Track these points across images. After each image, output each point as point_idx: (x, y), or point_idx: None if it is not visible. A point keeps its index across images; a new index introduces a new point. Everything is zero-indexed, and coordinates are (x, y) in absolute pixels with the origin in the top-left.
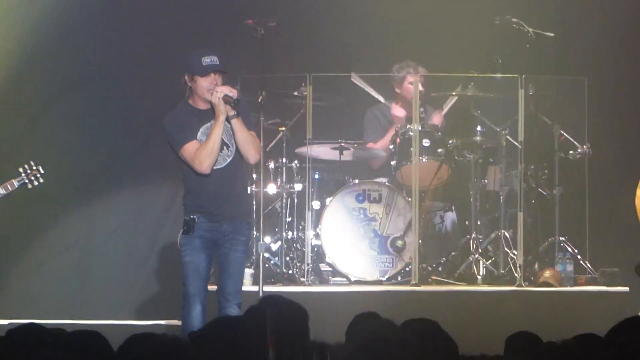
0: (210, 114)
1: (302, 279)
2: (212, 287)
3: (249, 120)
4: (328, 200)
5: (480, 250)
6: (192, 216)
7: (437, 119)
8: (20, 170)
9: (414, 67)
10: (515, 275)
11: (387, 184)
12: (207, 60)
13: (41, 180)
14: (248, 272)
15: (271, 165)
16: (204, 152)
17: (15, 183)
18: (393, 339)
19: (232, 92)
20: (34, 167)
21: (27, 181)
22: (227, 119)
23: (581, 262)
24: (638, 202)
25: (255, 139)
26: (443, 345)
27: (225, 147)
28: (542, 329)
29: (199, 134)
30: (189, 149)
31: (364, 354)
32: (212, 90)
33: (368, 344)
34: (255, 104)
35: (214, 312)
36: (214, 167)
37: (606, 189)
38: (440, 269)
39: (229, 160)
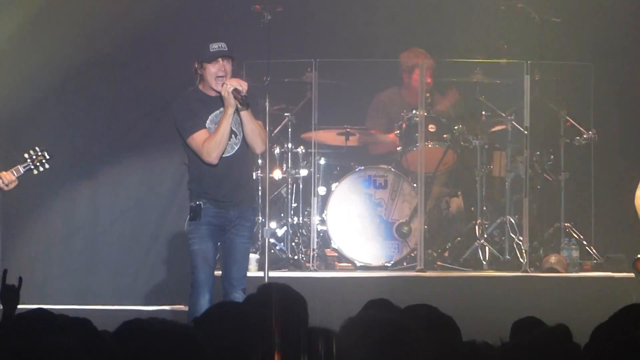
0: (219, 101)
1: (307, 265)
2: (217, 272)
3: (257, 108)
4: (334, 185)
5: (485, 236)
6: (198, 202)
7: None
8: (26, 155)
9: (422, 56)
10: (521, 261)
11: (392, 169)
12: (214, 46)
13: (47, 165)
14: (253, 257)
15: (277, 150)
16: (212, 143)
17: (21, 169)
18: (397, 324)
19: (242, 86)
20: (40, 153)
21: (32, 167)
22: (237, 110)
23: (587, 247)
24: (638, 202)
25: (262, 129)
26: (445, 330)
27: (233, 135)
28: (547, 315)
29: (208, 121)
30: (197, 138)
31: (370, 340)
32: (221, 77)
33: (374, 330)
34: (261, 89)
35: (219, 298)
36: (222, 155)
37: (612, 175)
38: (445, 254)
39: (236, 148)
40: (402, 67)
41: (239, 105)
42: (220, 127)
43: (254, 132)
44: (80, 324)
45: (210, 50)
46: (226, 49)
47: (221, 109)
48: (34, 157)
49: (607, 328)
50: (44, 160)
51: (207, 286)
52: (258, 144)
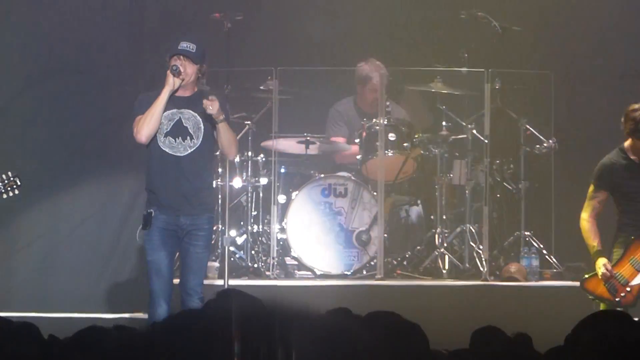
0: (180, 101)
1: (267, 273)
2: (177, 280)
3: (227, 115)
4: (294, 194)
5: (445, 245)
6: (149, 210)
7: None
8: None
9: (377, 68)
10: (481, 269)
11: (352, 178)
12: (183, 45)
13: (17, 191)
14: (213, 265)
15: (237, 159)
16: (142, 120)
17: None
18: (360, 334)
19: (213, 106)
20: (12, 178)
21: (2, 191)
22: (215, 122)
23: (547, 256)
24: (583, 223)
25: (235, 137)
26: (412, 337)
27: (188, 138)
28: (507, 324)
29: (162, 117)
30: (137, 120)
31: (333, 350)
32: (175, 67)
33: (338, 340)
34: (222, 97)
35: (178, 306)
36: (174, 154)
37: (572, 184)
38: (405, 263)
39: (190, 151)
40: (356, 78)
41: (174, 77)
42: (152, 106)
43: (230, 141)
44: (26, 330)
45: (178, 46)
46: (192, 51)
47: (182, 109)
48: (6, 181)
49: (572, 337)
50: (14, 186)
51: (163, 296)
52: (232, 151)
